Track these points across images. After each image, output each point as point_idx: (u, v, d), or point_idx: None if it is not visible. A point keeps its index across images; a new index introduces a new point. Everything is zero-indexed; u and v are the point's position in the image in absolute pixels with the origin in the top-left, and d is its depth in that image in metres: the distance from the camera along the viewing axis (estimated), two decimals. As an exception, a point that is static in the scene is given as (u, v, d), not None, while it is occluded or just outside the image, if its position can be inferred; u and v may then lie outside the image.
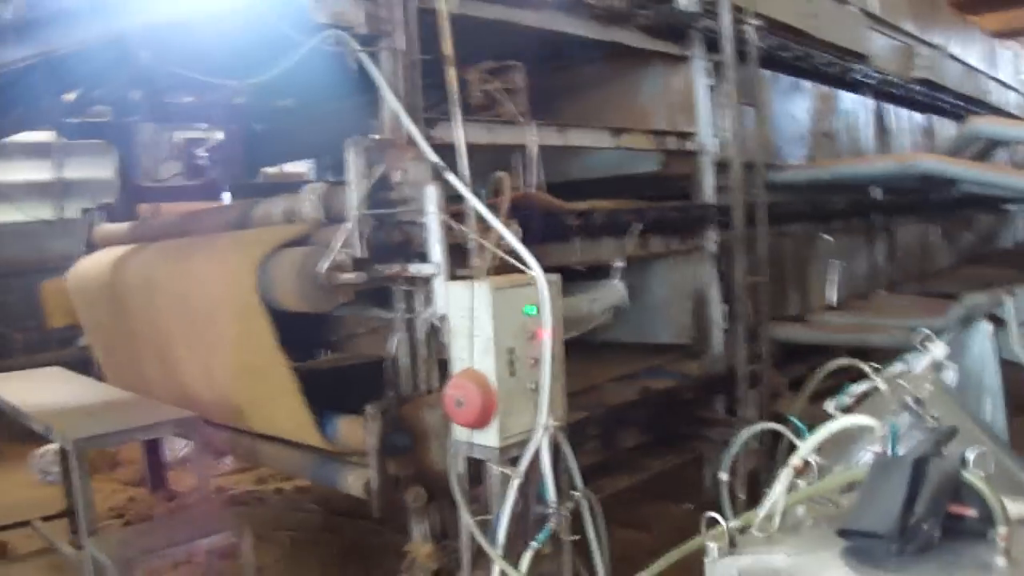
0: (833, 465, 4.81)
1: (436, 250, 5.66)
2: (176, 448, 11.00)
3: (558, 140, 7.31)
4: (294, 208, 6.50)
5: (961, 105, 16.12)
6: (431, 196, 5.65)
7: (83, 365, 10.38)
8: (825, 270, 10.86)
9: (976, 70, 17.80)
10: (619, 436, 7.78)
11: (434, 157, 5.69)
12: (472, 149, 5.87)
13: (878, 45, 12.97)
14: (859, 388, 5.22)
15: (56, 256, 15.47)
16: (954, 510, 2.97)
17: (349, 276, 5.65)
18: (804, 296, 10.46)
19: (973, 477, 2.96)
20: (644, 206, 7.92)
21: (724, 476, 5.62)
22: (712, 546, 3.25)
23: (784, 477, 3.51)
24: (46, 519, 8.93)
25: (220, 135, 10.76)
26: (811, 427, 4.63)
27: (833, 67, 11.06)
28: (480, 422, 5.14)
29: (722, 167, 8.99)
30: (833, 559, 3.04)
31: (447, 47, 5.86)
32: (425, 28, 6.13)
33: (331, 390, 6.39)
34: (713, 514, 3.43)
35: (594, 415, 7.31)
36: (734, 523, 3.39)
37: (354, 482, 6.09)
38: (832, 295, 10.89)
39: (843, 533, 3.08)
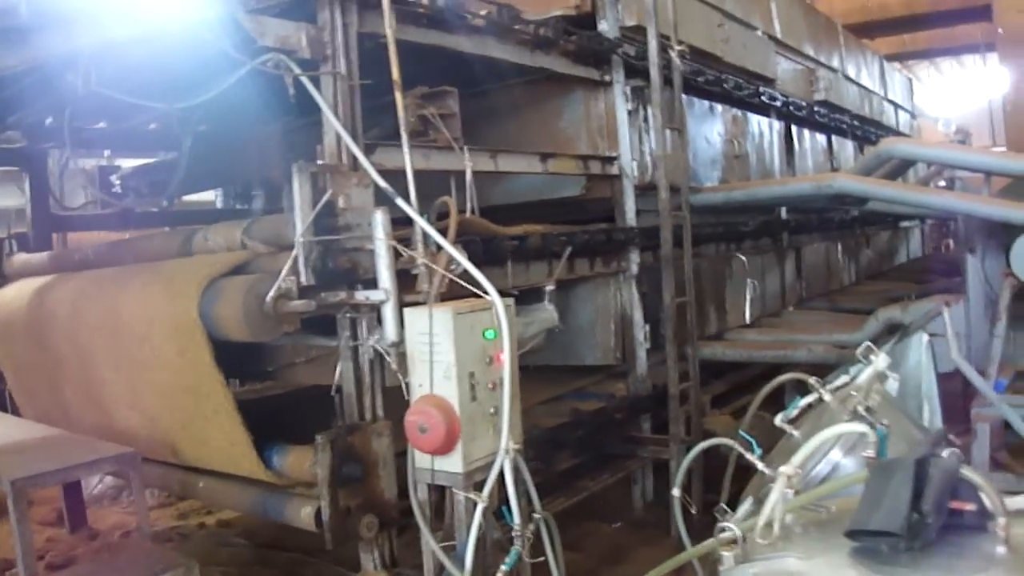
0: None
1: (385, 276, 5.62)
2: (91, 484, 10.79)
3: (490, 166, 7.33)
4: (231, 236, 6.40)
5: (858, 125, 16.49)
6: (379, 222, 5.61)
7: (-3, 404, 10.14)
8: (740, 289, 10.99)
9: (871, 92, 18.21)
10: (554, 458, 7.82)
11: (382, 182, 5.66)
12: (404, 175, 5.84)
13: (783, 68, 13.23)
14: (804, 401, 5.33)
15: (-45, 288, 15.11)
16: (956, 506, 3.14)
17: (297, 304, 5.60)
18: (721, 315, 10.59)
19: (973, 474, 3.09)
20: (573, 230, 7.94)
21: (676, 492, 5.68)
22: (727, 554, 3.31)
23: (780, 485, 3.56)
24: (-32, 565, 8.67)
25: (134, 162, 10.60)
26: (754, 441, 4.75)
27: (743, 91, 11.21)
28: (444, 448, 5.10)
29: (641, 190, 9.08)
30: (844, 559, 3.17)
31: (395, 72, 5.84)
32: (361, 53, 6.18)
33: (267, 421, 6.30)
34: (728, 524, 3.47)
35: (529, 437, 7.29)
36: (736, 531, 3.44)
37: (303, 514, 6.00)
38: (747, 313, 11.04)
39: (851, 534, 3.19)
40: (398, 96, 5.90)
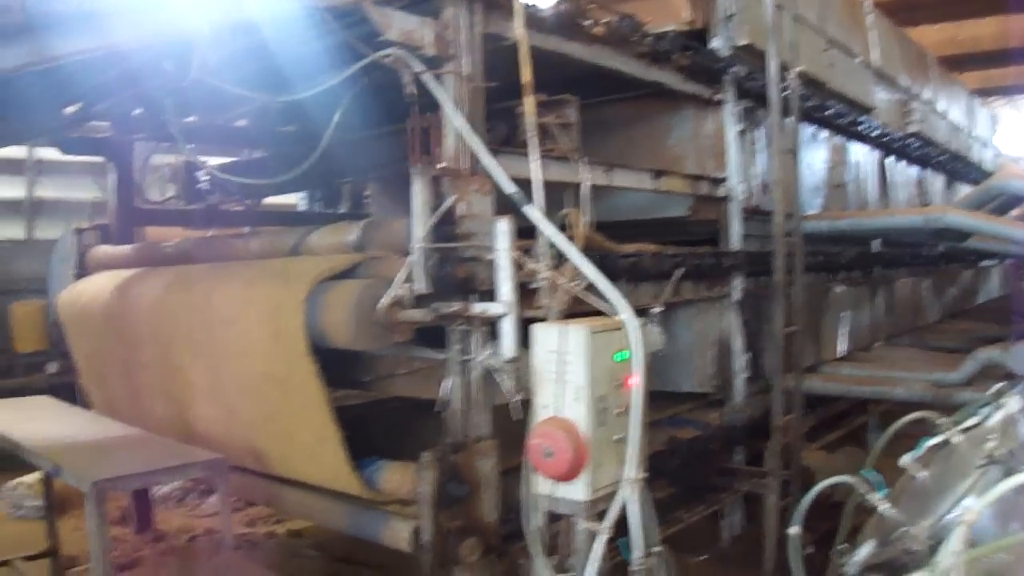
0: (915, 519, 4.62)
1: (505, 289, 5.35)
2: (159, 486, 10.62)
3: (604, 180, 7.08)
4: (338, 238, 6.15)
5: (947, 160, 16.17)
6: (502, 231, 5.34)
7: (54, 393, 9.97)
8: (835, 322, 10.69)
9: (958, 126, 17.89)
10: (652, 487, 7.52)
11: (511, 187, 5.39)
12: (523, 183, 5.57)
13: (880, 98, 12.90)
14: (931, 442, 5.09)
15: (24, 278, 15.08)
16: None
17: (413, 313, 5.33)
18: (816, 347, 10.26)
19: None
20: (683, 252, 7.67)
21: (795, 530, 5.40)
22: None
23: (960, 533, 3.33)
24: (28, 559, 8.45)
25: (221, 160, 10.41)
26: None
27: (844, 118, 10.91)
28: (569, 475, 4.82)
29: (746, 214, 8.81)
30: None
31: (526, 75, 5.60)
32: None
33: (357, 433, 5.99)
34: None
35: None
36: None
37: (400, 533, 5.72)
38: (842, 347, 10.73)
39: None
40: (527, 101, 5.67)
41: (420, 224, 5.35)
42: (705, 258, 7.99)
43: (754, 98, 8.86)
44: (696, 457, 7.95)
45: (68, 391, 10.13)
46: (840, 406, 10.90)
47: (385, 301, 5.28)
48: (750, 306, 8.82)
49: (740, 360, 8.67)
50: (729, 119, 8.69)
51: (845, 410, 11.21)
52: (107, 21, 5.07)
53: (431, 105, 5.79)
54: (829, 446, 10.11)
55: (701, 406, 8.85)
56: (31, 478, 10.90)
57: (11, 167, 16.76)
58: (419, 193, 5.36)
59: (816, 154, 10.82)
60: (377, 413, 7.76)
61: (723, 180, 8.63)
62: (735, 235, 8.70)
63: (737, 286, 8.63)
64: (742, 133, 8.84)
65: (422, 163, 5.50)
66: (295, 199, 13.48)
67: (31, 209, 17.24)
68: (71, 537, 9.27)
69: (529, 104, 5.66)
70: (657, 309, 7.01)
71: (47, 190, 17.47)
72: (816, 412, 10.27)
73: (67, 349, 13.78)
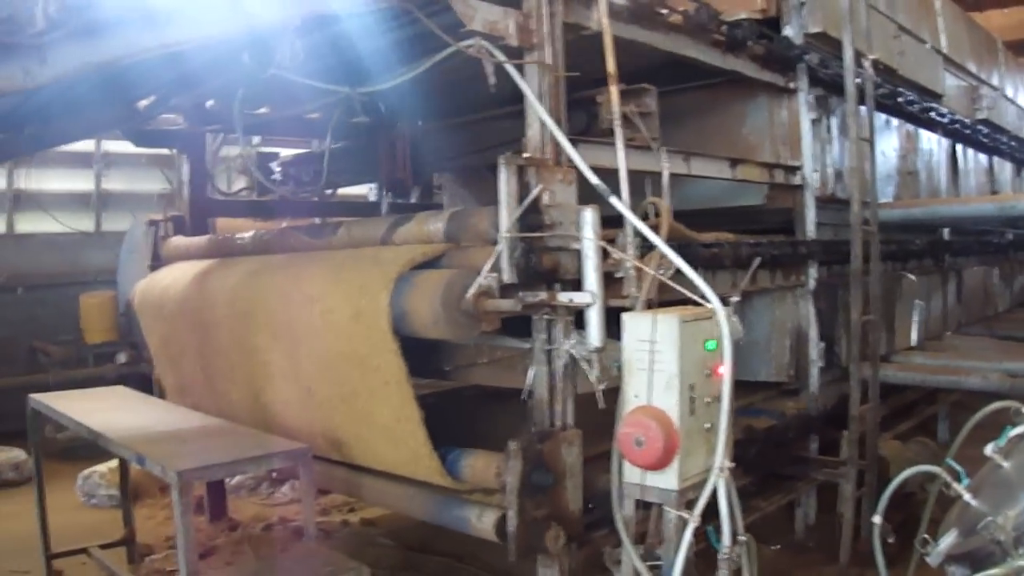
0: (1000, 509, 4.60)
1: (592, 278, 5.35)
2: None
3: (683, 168, 7.09)
4: (425, 229, 6.15)
5: (1016, 147, 15.94)
6: (588, 220, 5.34)
7: (122, 383, 10.10)
8: (907, 310, 10.59)
9: (1027, 112, 17.67)
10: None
11: (594, 178, 5.38)
12: (602, 172, 5.56)
13: (948, 85, 12.77)
14: (1016, 431, 5.06)
15: (93, 269, 15.27)
16: None
17: (501, 303, 5.33)
18: (890, 336, 10.17)
19: None
20: (760, 240, 7.64)
21: (878, 519, 5.37)
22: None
23: None
24: (104, 547, 8.54)
25: (294, 151, 10.46)
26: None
27: (914, 105, 10.80)
28: (661, 463, 4.81)
29: (821, 202, 8.78)
30: None
31: (610, 65, 5.60)
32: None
33: (430, 423, 5.99)
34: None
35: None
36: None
37: (484, 522, 5.73)
38: (914, 336, 10.64)
39: None
40: (612, 91, 5.64)
41: (506, 214, 5.34)
42: (781, 246, 7.94)
43: (826, 86, 8.84)
44: (772, 446, 7.92)
45: (137, 381, 10.25)
46: (910, 396, 10.82)
47: (473, 291, 5.28)
48: (824, 295, 8.76)
49: (815, 349, 8.62)
50: (803, 107, 8.64)
51: (914, 400, 11.13)
52: (192, 16, 5.09)
53: (510, 96, 5.80)
54: (900, 436, 10.02)
55: (775, 395, 8.81)
56: (104, 467, 11.04)
57: (80, 160, 16.93)
58: (505, 183, 5.35)
59: (888, 142, 10.74)
60: (450, 403, 7.77)
61: (798, 168, 8.58)
62: (810, 224, 8.65)
63: (812, 275, 8.58)
64: (816, 121, 8.79)
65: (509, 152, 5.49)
66: (364, 189, 13.54)
67: (99, 201, 17.40)
68: (144, 526, 9.40)
69: (614, 94, 5.63)
70: (735, 298, 7.00)
71: (114, 182, 17.64)
72: (887, 402, 10.21)
73: (136, 340, 14.00)
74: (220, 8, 5.10)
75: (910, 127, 11.43)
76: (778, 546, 8.52)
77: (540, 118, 5.62)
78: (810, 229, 8.63)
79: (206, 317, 7.60)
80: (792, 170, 8.53)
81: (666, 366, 4.84)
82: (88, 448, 11.93)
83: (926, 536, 5.11)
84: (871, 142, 8.29)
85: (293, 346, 6.63)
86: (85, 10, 4.67)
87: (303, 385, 6.69)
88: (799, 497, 8.71)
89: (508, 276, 5.33)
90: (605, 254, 5.42)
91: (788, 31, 8.54)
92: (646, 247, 5.51)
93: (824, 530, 8.65)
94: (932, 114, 11.53)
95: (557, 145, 5.66)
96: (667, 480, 4.90)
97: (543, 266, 5.47)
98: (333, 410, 6.48)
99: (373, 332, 5.72)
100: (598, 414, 5.62)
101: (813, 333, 8.61)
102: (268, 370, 7.02)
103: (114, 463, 10.58)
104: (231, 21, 5.14)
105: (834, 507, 8.44)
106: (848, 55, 7.95)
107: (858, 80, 8.16)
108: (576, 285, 5.51)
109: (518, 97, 5.85)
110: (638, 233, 5.44)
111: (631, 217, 5.34)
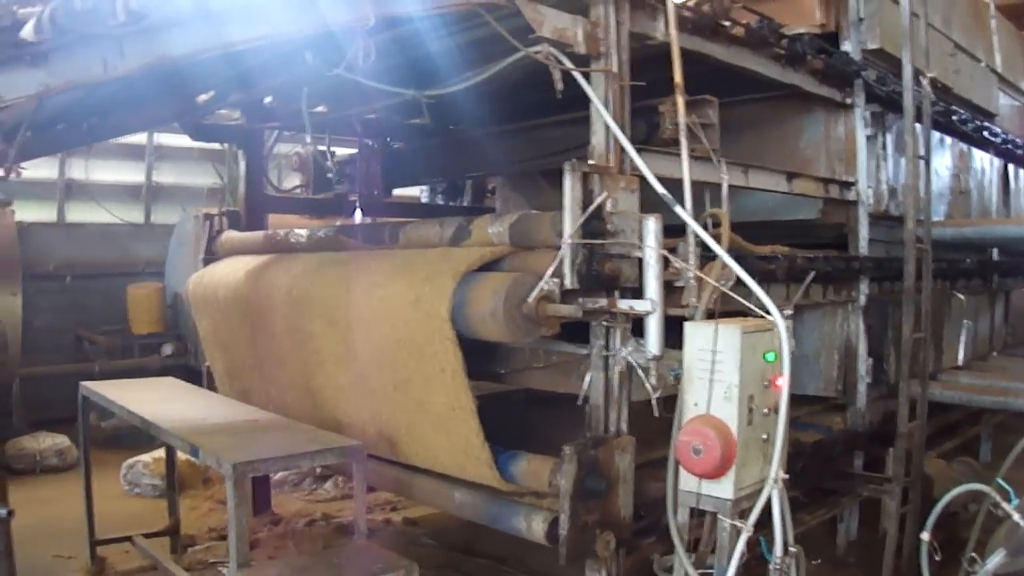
0: None
1: (653, 286, 5.40)
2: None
3: (741, 180, 7.10)
4: (483, 232, 6.19)
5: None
6: (652, 229, 5.38)
7: (167, 374, 10.20)
8: (955, 329, 10.58)
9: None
10: (778, 489, 7.54)
11: (660, 188, 5.42)
12: (663, 182, 5.58)
13: (1002, 104, 12.73)
14: None
15: (141, 260, 15.40)
16: None
17: (562, 308, 5.37)
18: (937, 355, 10.15)
19: None
20: (815, 255, 7.64)
21: (926, 536, 5.38)
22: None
23: None
24: (148, 536, 8.62)
25: (348, 150, 10.52)
26: None
27: (968, 124, 10.76)
28: (717, 472, 4.86)
29: (873, 218, 8.78)
30: None
31: (677, 76, 5.64)
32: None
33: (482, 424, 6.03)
34: None
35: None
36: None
37: (535, 525, 5.77)
38: (961, 355, 10.62)
39: None
40: (679, 101, 5.70)
41: (570, 220, 5.38)
42: (834, 262, 7.94)
43: (882, 102, 8.82)
44: (819, 460, 7.93)
45: (182, 373, 10.37)
46: (954, 416, 10.78)
47: (535, 294, 5.33)
48: (874, 311, 8.75)
49: (864, 365, 8.60)
50: (860, 123, 8.63)
51: (957, 420, 11.09)
52: (265, 15, 5.16)
53: (565, 103, 5.84)
54: (944, 455, 10.01)
55: (821, 410, 8.81)
56: (148, 457, 11.13)
57: (131, 152, 17.08)
58: (570, 190, 5.39)
59: (941, 160, 10.70)
60: (498, 406, 7.81)
61: (853, 184, 8.57)
62: (863, 239, 8.63)
63: (863, 291, 8.56)
64: (871, 137, 8.78)
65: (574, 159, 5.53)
66: (416, 191, 13.62)
67: (150, 194, 17.54)
68: (187, 517, 9.49)
69: (680, 105, 5.67)
70: (788, 311, 7.01)
71: (165, 175, 17.79)
72: (931, 420, 10.19)
73: (182, 332, 14.12)
74: (293, 7, 5.16)
75: (963, 146, 11.37)
76: (819, 560, 8.51)
77: (606, 126, 5.67)
78: (862, 245, 8.62)
79: (261, 303, 7.71)
80: (847, 185, 8.52)
81: (726, 376, 4.88)
82: (131, 437, 12.10)
83: (973, 555, 5.13)
84: (927, 160, 8.28)
85: (349, 332, 6.71)
86: (164, 5, 4.75)
87: (356, 371, 6.77)
88: (842, 512, 8.69)
89: (570, 281, 5.37)
90: (666, 263, 5.45)
91: (847, 46, 8.53)
92: (705, 257, 5.55)
93: (865, 546, 8.65)
94: (985, 133, 11.47)
95: (621, 153, 5.71)
96: (723, 489, 4.94)
97: (604, 273, 5.50)
98: (386, 397, 6.54)
99: (432, 319, 5.77)
100: (647, 422, 5.67)
101: (862, 349, 8.59)
102: (320, 356, 7.11)
103: (158, 453, 10.68)
104: (303, 20, 5.20)
105: (874, 523, 8.45)
106: (907, 73, 7.94)
107: (918, 98, 8.15)
108: (635, 293, 5.57)
109: (573, 104, 5.91)
110: (698, 243, 5.48)
111: (695, 227, 5.38)
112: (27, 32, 4.43)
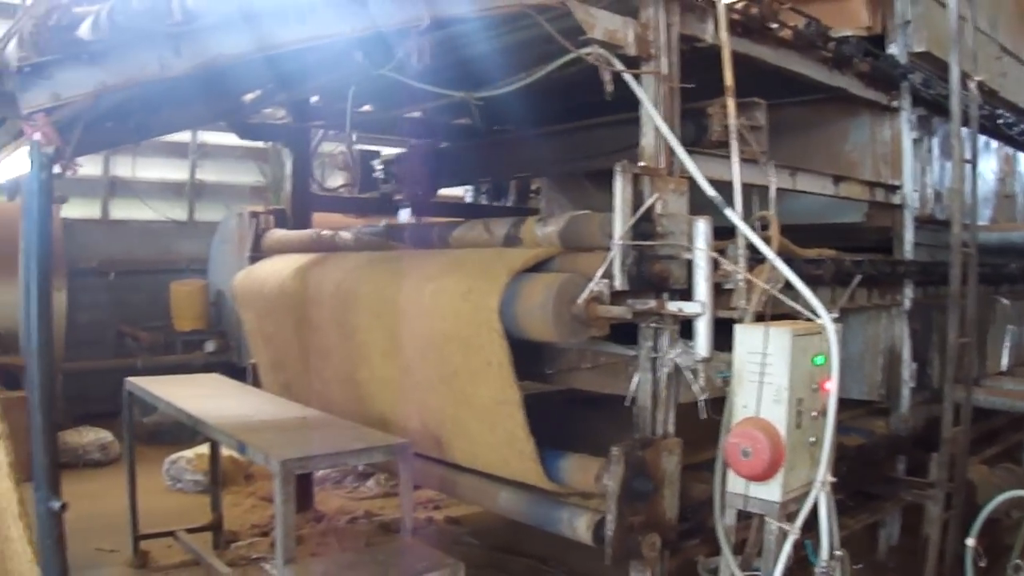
0: None
1: (702, 288, 5.41)
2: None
3: (788, 183, 7.10)
4: (533, 232, 6.21)
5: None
6: (702, 231, 5.39)
7: (210, 370, 10.28)
8: (999, 335, 10.51)
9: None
10: (821, 493, 7.52)
11: (711, 190, 5.43)
12: (712, 184, 5.61)
13: (1047, 108, 12.65)
14: None
15: (184, 257, 15.50)
16: None
17: (613, 309, 5.39)
18: (981, 360, 10.09)
19: None
20: (860, 259, 7.62)
21: (971, 542, 5.38)
22: None
23: None
24: (191, 531, 8.69)
25: (393, 149, 10.57)
26: None
27: (1014, 128, 10.71)
28: (765, 475, 4.86)
29: (919, 222, 8.73)
30: None
31: (728, 78, 5.65)
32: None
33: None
34: None
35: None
36: None
37: (581, 526, 5.79)
38: (1005, 361, 10.56)
39: None
40: (729, 104, 5.72)
41: (620, 221, 5.40)
42: (881, 266, 7.92)
43: (928, 105, 8.77)
44: (862, 465, 7.90)
45: (224, 369, 10.40)
46: (996, 421, 10.71)
47: (585, 295, 5.35)
48: (918, 315, 8.71)
49: (907, 369, 8.57)
50: (905, 126, 8.59)
51: (999, 426, 11.02)
52: (317, 16, 5.20)
53: (619, 104, 5.85)
54: (986, 461, 9.95)
55: (864, 414, 8.78)
56: (191, 453, 11.22)
57: (175, 150, 17.18)
58: (620, 191, 5.40)
59: (986, 164, 10.62)
60: (541, 406, 7.84)
61: (898, 187, 8.55)
62: (908, 243, 8.60)
63: (908, 295, 8.53)
64: (917, 141, 8.73)
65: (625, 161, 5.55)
66: (460, 191, 13.65)
67: (193, 191, 17.64)
68: (229, 513, 9.53)
69: (731, 107, 5.69)
70: (833, 315, 7.01)
71: (208, 173, 17.87)
72: (974, 426, 10.15)
73: (224, 329, 14.20)
74: (345, 9, 5.19)
75: (1008, 149, 11.31)
76: (860, 565, 8.49)
77: (656, 128, 5.69)
78: (908, 249, 8.59)
79: (309, 298, 7.78)
80: (893, 189, 8.50)
81: (776, 379, 4.89)
82: (173, 433, 12.20)
83: (1018, 562, 5.12)
84: (974, 164, 8.26)
85: (396, 326, 6.74)
86: (219, 5, 4.80)
87: (403, 365, 6.80)
88: (884, 517, 8.66)
89: (620, 283, 5.39)
90: (714, 265, 5.46)
91: (893, 49, 8.49)
92: (754, 260, 5.55)
93: (906, 552, 8.61)
94: (1029, 137, 11.45)
95: (671, 155, 5.73)
96: (771, 492, 4.95)
97: (653, 274, 5.51)
98: (432, 390, 6.58)
99: (481, 311, 5.80)
100: (689, 423, 5.69)
101: (906, 353, 8.56)
102: (367, 350, 7.16)
103: (200, 449, 10.78)
104: (355, 20, 5.23)
105: (915, 529, 8.41)
106: (954, 76, 7.92)
107: (965, 102, 8.12)
108: (683, 295, 5.59)
109: (619, 106, 5.95)
110: (748, 245, 5.49)
111: (745, 230, 5.39)
112: (84, 31, 4.48)
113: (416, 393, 6.71)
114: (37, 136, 4.47)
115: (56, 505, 4.69)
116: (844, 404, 8.22)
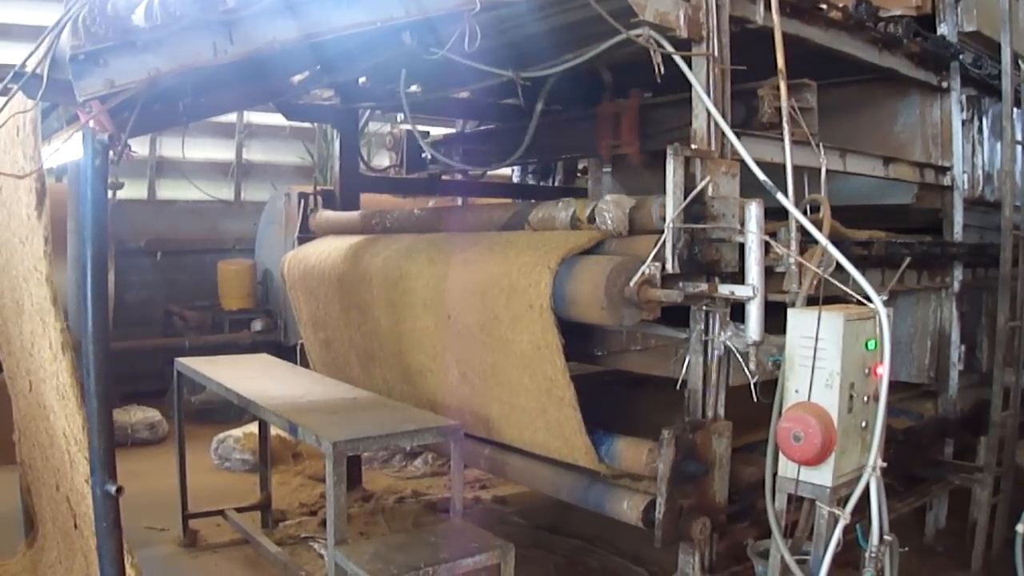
0: None
1: (754, 272, 5.39)
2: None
3: (839, 165, 7.06)
4: (581, 213, 6.22)
5: None
6: (754, 214, 5.38)
7: (256, 350, 10.33)
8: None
9: None
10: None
11: (760, 173, 5.41)
12: (761, 166, 5.56)
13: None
14: None
15: (231, 237, 15.57)
16: None
17: (664, 292, 5.40)
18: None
19: None
20: (910, 240, 7.59)
21: (1022, 528, 5.35)
22: None
23: None
24: (240, 510, 8.76)
25: (441, 130, 10.58)
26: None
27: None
28: (817, 459, 4.84)
29: (968, 204, 8.65)
30: None
31: (780, 61, 5.62)
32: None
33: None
34: None
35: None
36: None
37: (630, 508, 5.82)
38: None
39: None
40: (781, 86, 5.68)
41: (672, 204, 5.40)
42: (931, 247, 7.90)
43: (978, 86, 8.69)
44: (910, 448, 7.87)
45: (271, 348, 10.49)
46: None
47: (637, 278, 5.35)
48: (967, 298, 8.65)
49: (956, 352, 8.51)
50: (956, 107, 8.51)
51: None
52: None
53: (673, 85, 5.85)
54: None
55: (911, 396, 8.72)
56: (239, 432, 11.29)
57: (222, 130, 17.28)
58: (672, 173, 5.40)
59: (1035, 145, 10.55)
60: (589, 387, 7.87)
61: (948, 169, 8.47)
62: (957, 225, 8.50)
63: (958, 277, 8.47)
64: (967, 122, 8.65)
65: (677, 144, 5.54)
66: (508, 171, 13.65)
67: (240, 171, 17.72)
68: (277, 492, 9.61)
69: (783, 89, 5.66)
70: (883, 297, 6.99)
71: (255, 153, 17.97)
72: (1021, 410, 10.09)
73: (271, 308, 14.26)
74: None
75: (1057, 132, 11.19)
76: (906, 548, 8.47)
77: (707, 111, 5.68)
78: (957, 231, 8.50)
79: (359, 279, 7.83)
80: (943, 170, 8.42)
81: (828, 363, 4.86)
82: (220, 412, 12.28)
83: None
84: (1026, 145, 8.22)
85: (446, 307, 6.80)
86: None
87: (453, 346, 6.87)
88: (931, 500, 8.63)
89: (671, 266, 5.40)
90: (766, 248, 5.45)
91: (943, 29, 8.40)
92: (805, 242, 5.55)
93: (953, 536, 8.57)
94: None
95: (722, 137, 5.71)
96: (822, 476, 4.93)
97: (705, 257, 5.52)
98: (482, 371, 6.65)
99: (532, 288, 5.85)
100: (741, 406, 5.69)
101: (955, 336, 8.50)
102: (417, 331, 7.24)
103: (249, 428, 10.85)
104: (408, 4, 5.23)
105: (962, 513, 8.38)
106: (1006, 56, 7.86)
107: (1018, 82, 8.06)
108: (734, 278, 5.58)
109: (667, 87, 5.95)
110: (798, 228, 5.48)
111: (796, 213, 5.37)
112: (137, 18, 4.51)
113: (466, 374, 6.75)
114: (92, 123, 4.50)
115: (112, 488, 4.74)
116: (892, 386, 8.13)
